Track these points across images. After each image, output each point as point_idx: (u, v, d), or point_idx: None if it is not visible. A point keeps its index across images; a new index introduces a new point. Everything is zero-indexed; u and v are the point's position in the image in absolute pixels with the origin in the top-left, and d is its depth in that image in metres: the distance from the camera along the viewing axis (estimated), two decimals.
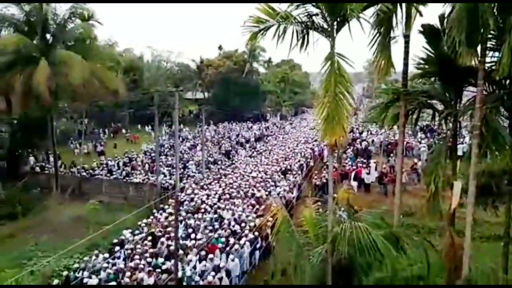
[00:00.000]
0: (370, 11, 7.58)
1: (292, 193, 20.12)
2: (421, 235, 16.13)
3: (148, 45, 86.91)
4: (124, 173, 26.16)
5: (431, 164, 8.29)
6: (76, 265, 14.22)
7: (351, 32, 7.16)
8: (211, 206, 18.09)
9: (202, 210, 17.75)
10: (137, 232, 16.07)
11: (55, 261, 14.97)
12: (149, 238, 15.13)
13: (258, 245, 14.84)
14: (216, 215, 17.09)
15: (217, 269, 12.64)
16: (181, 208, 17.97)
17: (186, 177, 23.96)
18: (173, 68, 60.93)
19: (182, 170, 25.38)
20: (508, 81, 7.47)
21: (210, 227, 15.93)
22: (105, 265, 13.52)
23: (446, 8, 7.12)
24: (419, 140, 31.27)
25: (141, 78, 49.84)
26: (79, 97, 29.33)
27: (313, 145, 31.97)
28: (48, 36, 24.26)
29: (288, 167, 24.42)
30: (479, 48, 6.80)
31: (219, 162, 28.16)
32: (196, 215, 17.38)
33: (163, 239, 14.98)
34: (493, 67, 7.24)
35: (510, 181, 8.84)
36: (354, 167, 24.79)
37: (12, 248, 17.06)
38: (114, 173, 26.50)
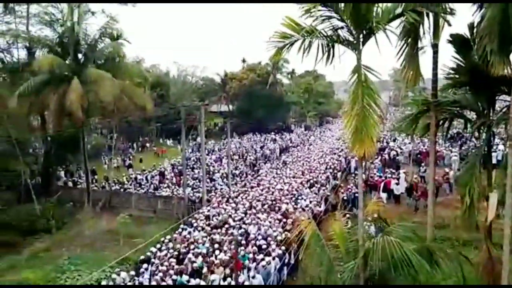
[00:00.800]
0: (396, 23, 7.53)
1: (320, 206, 19.79)
2: (456, 248, 15.65)
3: (174, 60, 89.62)
4: (152, 186, 26.63)
5: (466, 176, 8.03)
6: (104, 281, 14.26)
7: (378, 45, 7.14)
8: (236, 221, 17.85)
9: (227, 226, 17.46)
10: (163, 248, 16.00)
11: (87, 275, 15.35)
12: (174, 254, 15.08)
13: (286, 261, 14.46)
14: (242, 230, 16.80)
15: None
16: (207, 223, 17.92)
17: (212, 190, 24.08)
18: (198, 83, 62.28)
19: (208, 182, 25.62)
20: None
21: (237, 243, 15.64)
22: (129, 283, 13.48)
23: (476, 17, 6.98)
24: (450, 149, 30.40)
25: (167, 93, 51.04)
26: (109, 113, 30.42)
27: (339, 156, 31.51)
28: (79, 55, 25.27)
29: (315, 179, 24.03)
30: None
31: (245, 175, 28.18)
32: (221, 230, 17.13)
33: (189, 255, 14.78)
34: None
35: None
36: (383, 178, 24.28)
37: (47, 261, 17.55)
38: (143, 186, 27.03)
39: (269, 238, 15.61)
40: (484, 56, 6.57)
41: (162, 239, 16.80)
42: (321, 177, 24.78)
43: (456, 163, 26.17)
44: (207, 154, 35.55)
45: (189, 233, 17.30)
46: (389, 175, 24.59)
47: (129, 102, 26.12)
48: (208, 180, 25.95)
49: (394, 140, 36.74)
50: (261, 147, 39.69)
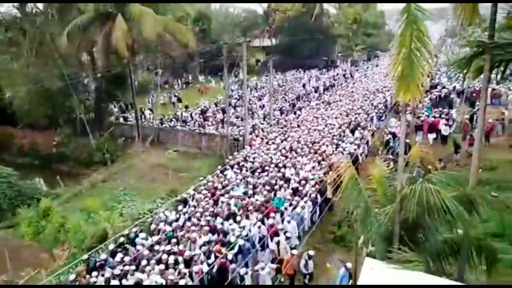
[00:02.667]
0: None
1: (361, 149, 19.42)
2: (502, 191, 15.22)
3: None
4: (196, 124, 27.46)
5: None
6: (157, 210, 15.06)
7: None
8: (275, 164, 17.32)
9: (266, 168, 16.99)
10: (200, 188, 15.90)
11: (140, 204, 16.79)
12: (210, 195, 14.97)
13: (319, 201, 14.37)
14: (279, 174, 16.30)
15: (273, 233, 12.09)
16: (245, 165, 17.84)
17: (254, 129, 24.39)
18: (240, 15, 60.22)
19: (250, 121, 25.97)
20: None
21: (271, 186, 15.17)
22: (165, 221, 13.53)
23: None
24: (509, 86, 28.17)
25: (209, 27, 50.08)
26: (153, 50, 30.82)
27: (386, 94, 30.20)
28: None
29: (357, 120, 23.25)
30: None
31: (286, 114, 28.06)
32: (259, 173, 16.65)
33: (222, 198, 14.55)
34: None
35: None
36: (431, 118, 23.28)
37: (104, 191, 19.35)
38: (188, 123, 27.98)
39: (305, 182, 15.34)
40: None
41: (201, 178, 17.07)
42: (364, 118, 23.96)
43: None
44: (249, 92, 35.56)
45: (227, 174, 17.13)
46: (438, 115, 23.50)
47: (171, 39, 26.23)
48: (250, 117, 26.29)
49: (449, 78, 34.40)
50: (303, 85, 38.87)
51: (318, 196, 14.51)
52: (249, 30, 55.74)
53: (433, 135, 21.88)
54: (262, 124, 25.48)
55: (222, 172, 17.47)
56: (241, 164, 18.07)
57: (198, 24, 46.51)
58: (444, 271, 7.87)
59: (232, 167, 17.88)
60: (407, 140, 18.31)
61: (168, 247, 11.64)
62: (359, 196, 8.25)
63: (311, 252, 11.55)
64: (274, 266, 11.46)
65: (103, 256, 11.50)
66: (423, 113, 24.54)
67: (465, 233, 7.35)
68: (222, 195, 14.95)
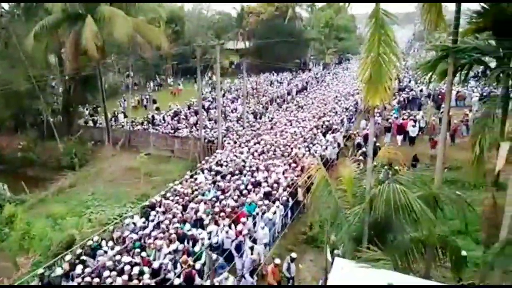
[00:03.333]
0: None
1: (331, 151, 19.66)
2: (466, 190, 15.85)
3: None
4: (169, 126, 27.13)
5: (478, 126, 7.93)
6: (129, 214, 14.79)
7: None
8: (248, 168, 17.13)
9: (237, 172, 16.80)
10: (168, 195, 15.43)
11: (110, 209, 16.39)
12: (180, 201, 14.55)
13: (290, 204, 14.36)
14: (251, 178, 16.07)
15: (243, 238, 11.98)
16: (216, 169, 17.62)
17: (228, 132, 24.31)
18: (214, 17, 60.06)
19: (224, 122, 25.90)
20: None
21: (242, 191, 14.95)
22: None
23: None
24: (472, 89, 29.42)
25: (182, 29, 49.67)
26: (124, 52, 30.24)
27: (356, 97, 30.85)
28: None
29: (329, 123, 23.55)
30: None
31: (259, 117, 28.15)
32: (230, 177, 16.39)
33: (192, 204, 14.19)
34: None
35: None
36: (400, 120, 23.98)
37: (72, 197, 18.73)
38: (160, 126, 27.58)
39: (277, 185, 15.23)
40: None
41: (171, 184, 16.64)
42: (335, 120, 24.39)
43: (476, 104, 25.49)
44: (223, 94, 35.48)
45: (197, 178, 16.84)
46: (406, 117, 24.23)
47: (143, 40, 25.83)
48: (223, 121, 26.23)
49: (415, 81, 35.56)
50: (277, 87, 39.10)
51: (290, 198, 14.51)
52: (223, 32, 55.68)
53: (401, 137, 22.54)
54: (236, 127, 25.42)
55: (192, 176, 17.18)
56: (213, 167, 17.87)
57: (171, 26, 46.02)
58: (412, 268, 8.12)
59: (203, 171, 17.67)
60: (378, 143, 18.89)
61: (129, 259, 11.14)
62: (329, 197, 8.38)
63: (294, 255, 11.47)
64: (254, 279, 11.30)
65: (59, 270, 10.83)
66: (391, 115, 25.21)
67: (430, 231, 7.59)
68: (191, 200, 14.62)
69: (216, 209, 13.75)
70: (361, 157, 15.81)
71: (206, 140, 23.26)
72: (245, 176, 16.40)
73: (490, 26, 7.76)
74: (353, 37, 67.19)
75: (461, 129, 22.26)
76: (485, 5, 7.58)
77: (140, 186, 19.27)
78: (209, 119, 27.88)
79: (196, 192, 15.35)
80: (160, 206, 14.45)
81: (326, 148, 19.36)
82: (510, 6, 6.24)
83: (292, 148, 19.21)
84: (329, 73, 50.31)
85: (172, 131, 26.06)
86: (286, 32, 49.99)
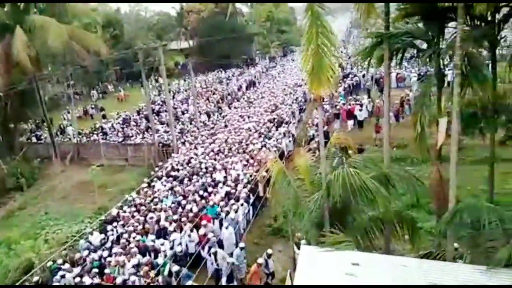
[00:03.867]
0: None
1: (287, 142, 20.07)
2: (415, 166, 16.89)
3: None
4: (120, 134, 26.29)
5: (417, 105, 8.51)
6: (87, 230, 14.13)
7: None
8: (205, 169, 17.03)
9: (194, 175, 16.54)
10: (125, 207, 14.92)
11: (67, 227, 15.67)
12: (138, 211, 14.11)
13: (251, 201, 14.39)
14: (209, 180, 15.96)
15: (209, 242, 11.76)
16: (173, 174, 17.26)
17: (183, 134, 24.02)
18: (153, 18, 58.70)
19: (177, 125, 25.55)
20: (489, 14, 7.43)
21: (202, 193, 14.78)
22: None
23: None
24: (411, 70, 31.21)
25: (121, 33, 48.10)
26: (61, 61, 28.77)
27: (304, 88, 31.49)
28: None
29: (281, 115, 23.90)
30: None
31: (212, 115, 28.05)
32: (188, 181, 16.13)
33: (151, 213, 13.81)
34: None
35: (493, 110, 9.15)
36: (347, 105, 24.96)
37: (24, 219, 17.66)
38: (110, 135, 26.64)
39: (236, 184, 15.15)
40: None
41: (127, 196, 15.94)
42: (287, 112, 24.74)
43: (415, 84, 27.09)
44: (173, 96, 34.90)
45: (154, 186, 16.40)
46: (353, 102, 25.25)
47: (80, 47, 24.71)
48: (176, 124, 25.88)
49: (357, 67, 37.03)
50: (227, 84, 39.09)
51: (251, 195, 14.57)
52: (164, 33, 54.64)
53: (351, 122, 23.49)
54: (189, 128, 25.16)
55: (149, 184, 16.65)
56: (169, 173, 17.49)
57: (108, 30, 44.40)
58: (373, 246, 8.58)
59: (160, 178, 17.20)
60: (329, 130, 19.55)
61: (90, 280, 10.72)
62: (288, 187, 8.60)
63: (269, 251, 11.47)
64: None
65: None
66: (339, 102, 26.14)
67: (386, 208, 8.05)
68: (151, 210, 14.20)
69: (177, 216, 13.50)
70: (315, 145, 16.30)
71: (161, 144, 22.82)
72: (202, 178, 16.20)
73: (418, 11, 8.34)
74: (294, 29, 68.55)
75: (404, 109, 23.56)
76: None
77: (95, 199, 18.56)
78: (161, 123, 27.35)
79: (155, 200, 14.99)
80: (118, 219, 13.98)
81: (281, 141, 19.69)
82: None
83: (247, 144, 19.31)
84: (275, 66, 50.98)
85: (124, 139, 25.28)
86: (229, 29, 50.04)
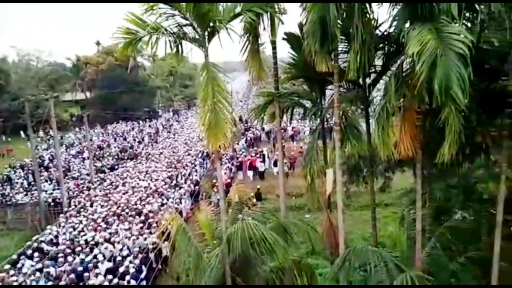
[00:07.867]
0: (238, 21, 7.94)
1: (186, 200, 19.63)
2: (312, 213, 17.86)
3: (11, 45, 76.95)
4: None
5: (307, 158, 9.21)
6: None
7: (222, 43, 7.50)
8: (84, 243, 14.47)
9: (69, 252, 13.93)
10: None
11: None
12: None
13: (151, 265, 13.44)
14: (89, 257, 13.45)
15: None
16: (49, 248, 14.62)
17: (75, 192, 22.02)
18: (45, 68, 55.15)
19: (69, 182, 23.49)
20: (361, 80, 8.58)
21: (83, 274, 12.36)
22: None
23: (304, 17, 7.81)
24: (304, 125, 33.96)
25: (7, 82, 44.03)
26: None
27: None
28: None
29: (182, 172, 23.31)
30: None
31: (108, 171, 26.33)
32: (62, 259, 13.40)
33: None
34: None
35: (371, 161, 10.31)
36: (248, 157, 25.82)
37: None
38: None
39: (125, 252, 13.72)
40: (311, 52, 7.49)
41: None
42: (188, 169, 24.34)
43: (308, 137, 29.44)
44: (66, 149, 32.27)
45: (22, 265, 13.33)
46: (254, 154, 26.27)
47: None
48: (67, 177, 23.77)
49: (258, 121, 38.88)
50: (125, 138, 37.57)
51: (143, 266, 13.06)
52: (57, 83, 51.38)
53: (251, 172, 24.26)
54: (84, 183, 23.21)
55: (15, 264, 13.45)
56: (43, 247, 14.62)
57: None
58: None
59: (31, 255, 14.02)
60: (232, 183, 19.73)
61: None
62: (188, 244, 8.35)
63: None
64: None
65: None
66: (241, 154, 26.97)
67: (285, 258, 8.26)
68: None
69: None
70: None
71: (47, 204, 20.50)
72: (78, 255, 13.62)
73: (302, 74, 9.33)
74: (197, 84, 70.04)
75: (300, 159, 25.22)
76: (294, 57, 9.07)
77: None
78: (50, 179, 24.81)
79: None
80: None
81: (181, 201, 19.03)
82: (312, 57, 7.58)
83: (145, 205, 17.93)
84: (178, 120, 50.92)
85: (3, 199, 22.22)
86: (130, 82, 49.38)
